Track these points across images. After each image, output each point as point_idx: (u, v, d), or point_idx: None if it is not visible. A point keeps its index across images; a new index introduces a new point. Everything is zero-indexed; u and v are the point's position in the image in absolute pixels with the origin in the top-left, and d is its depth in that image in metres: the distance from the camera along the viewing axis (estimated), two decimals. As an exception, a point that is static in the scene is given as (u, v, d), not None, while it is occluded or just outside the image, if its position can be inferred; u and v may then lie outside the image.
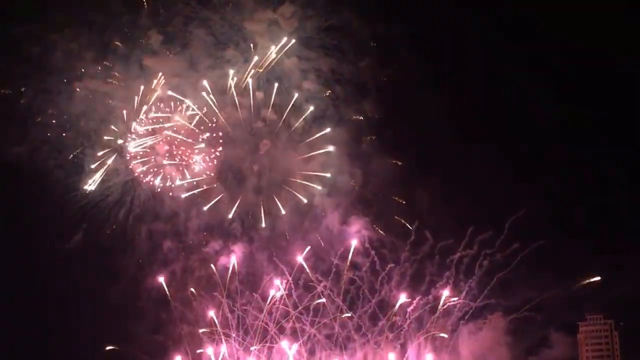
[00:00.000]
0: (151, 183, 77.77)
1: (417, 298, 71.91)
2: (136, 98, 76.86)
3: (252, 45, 76.16)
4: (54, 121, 77.97)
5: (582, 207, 70.99)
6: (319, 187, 76.52)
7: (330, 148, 75.97)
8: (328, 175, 76.44)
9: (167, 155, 77.26)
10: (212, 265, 76.05)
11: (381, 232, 74.12)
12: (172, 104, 77.24)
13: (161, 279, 75.92)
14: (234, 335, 74.27)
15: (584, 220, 70.69)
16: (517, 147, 73.03)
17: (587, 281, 67.73)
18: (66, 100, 77.52)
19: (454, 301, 70.73)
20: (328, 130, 76.13)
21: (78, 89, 77.37)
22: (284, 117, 76.87)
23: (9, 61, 76.61)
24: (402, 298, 71.33)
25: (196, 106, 76.66)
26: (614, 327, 73.26)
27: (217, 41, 76.49)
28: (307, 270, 73.65)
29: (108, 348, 75.06)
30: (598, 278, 67.98)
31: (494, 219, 68.50)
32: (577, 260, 67.03)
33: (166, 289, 75.65)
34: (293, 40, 75.17)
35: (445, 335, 70.88)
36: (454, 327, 71.34)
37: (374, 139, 75.84)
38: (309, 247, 74.42)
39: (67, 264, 75.76)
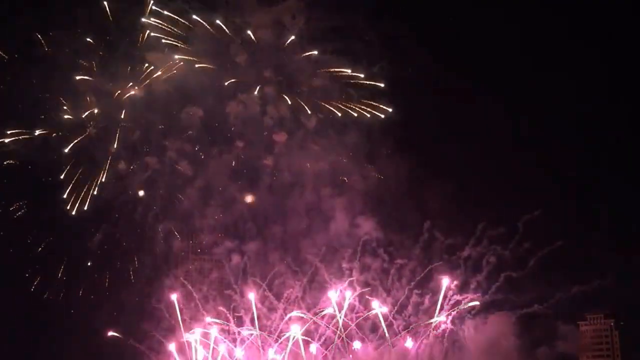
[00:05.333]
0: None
1: (428, 296, 72.84)
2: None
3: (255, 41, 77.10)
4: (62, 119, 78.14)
5: (585, 208, 72.42)
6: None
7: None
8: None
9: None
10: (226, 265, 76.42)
11: (392, 232, 74.32)
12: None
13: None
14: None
15: (585, 221, 71.40)
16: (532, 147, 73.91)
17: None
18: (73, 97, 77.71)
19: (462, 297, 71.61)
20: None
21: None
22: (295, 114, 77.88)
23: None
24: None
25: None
26: (614, 327, 73.63)
27: (220, 39, 77.28)
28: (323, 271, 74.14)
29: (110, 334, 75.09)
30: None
31: (507, 219, 69.54)
32: (579, 261, 68.20)
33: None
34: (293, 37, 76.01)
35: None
36: (462, 321, 72.13)
37: (387, 139, 76.44)
38: (324, 248, 74.75)
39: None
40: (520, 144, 73.33)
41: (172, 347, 75.67)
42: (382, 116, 76.54)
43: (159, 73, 77.95)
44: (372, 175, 76.49)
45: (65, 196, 76.96)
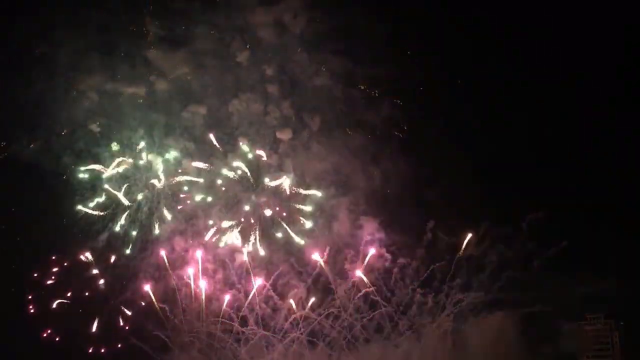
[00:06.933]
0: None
1: (431, 295, 73.27)
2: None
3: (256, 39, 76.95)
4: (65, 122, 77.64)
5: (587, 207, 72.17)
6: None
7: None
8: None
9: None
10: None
11: (395, 233, 74.93)
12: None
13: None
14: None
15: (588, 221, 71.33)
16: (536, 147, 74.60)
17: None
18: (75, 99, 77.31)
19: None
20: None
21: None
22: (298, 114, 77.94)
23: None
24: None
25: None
26: (614, 327, 74.22)
27: (222, 37, 77.09)
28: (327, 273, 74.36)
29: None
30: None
31: (511, 218, 70.16)
32: (580, 260, 68.81)
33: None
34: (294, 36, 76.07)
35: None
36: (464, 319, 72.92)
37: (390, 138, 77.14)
38: (328, 249, 74.75)
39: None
40: (524, 144, 73.95)
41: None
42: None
43: (161, 72, 77.73)
44: (376, 175, 76.28)
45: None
